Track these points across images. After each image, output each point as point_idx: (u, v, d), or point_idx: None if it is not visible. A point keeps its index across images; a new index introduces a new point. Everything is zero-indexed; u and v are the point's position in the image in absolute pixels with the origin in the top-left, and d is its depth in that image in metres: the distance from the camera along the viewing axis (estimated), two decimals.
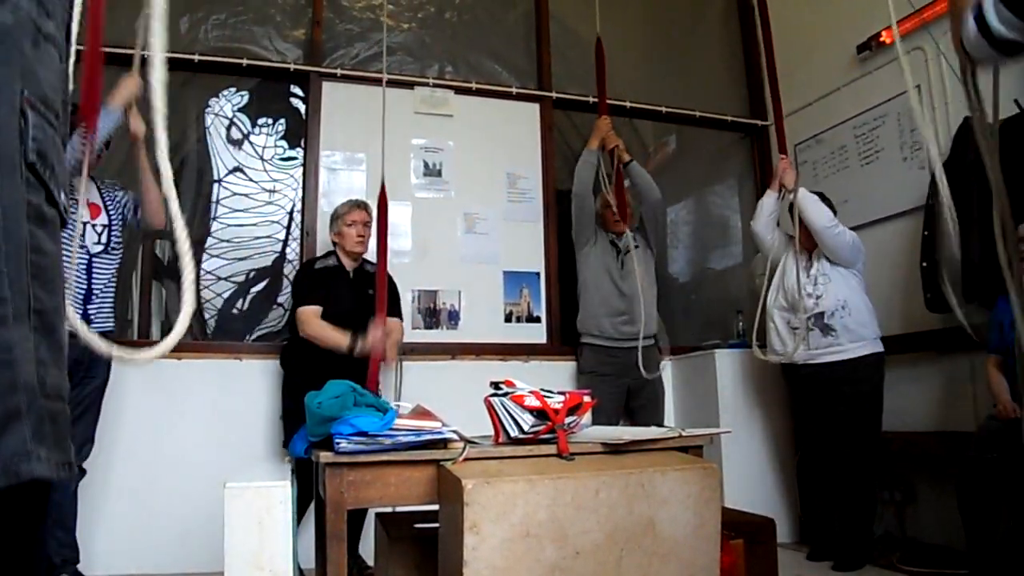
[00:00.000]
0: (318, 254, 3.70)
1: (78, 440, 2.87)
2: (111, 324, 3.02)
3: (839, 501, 3.42)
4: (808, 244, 3.60)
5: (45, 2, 0.73)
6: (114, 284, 3.06)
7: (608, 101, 3.99)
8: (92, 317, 2.90)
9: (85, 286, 2.90)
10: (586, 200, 3.91)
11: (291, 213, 4.13)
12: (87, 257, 2.93)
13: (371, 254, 3.45)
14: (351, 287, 3.41)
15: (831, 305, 3.45)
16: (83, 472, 2.89)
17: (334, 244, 3.50)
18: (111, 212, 3.04)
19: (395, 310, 3.52)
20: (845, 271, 3.50)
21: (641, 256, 3.93)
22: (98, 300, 2.95)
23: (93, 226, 2.96)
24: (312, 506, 2.96)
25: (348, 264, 3.46)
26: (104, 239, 2.99)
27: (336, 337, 3.22)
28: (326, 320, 3.28)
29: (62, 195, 0.75)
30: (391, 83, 4.05)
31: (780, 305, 3.65)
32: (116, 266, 3.07)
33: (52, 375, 0.71)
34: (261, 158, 4.18)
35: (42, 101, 0.72)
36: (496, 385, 2.00)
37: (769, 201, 3.79)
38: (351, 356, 3.20)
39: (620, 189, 3.88)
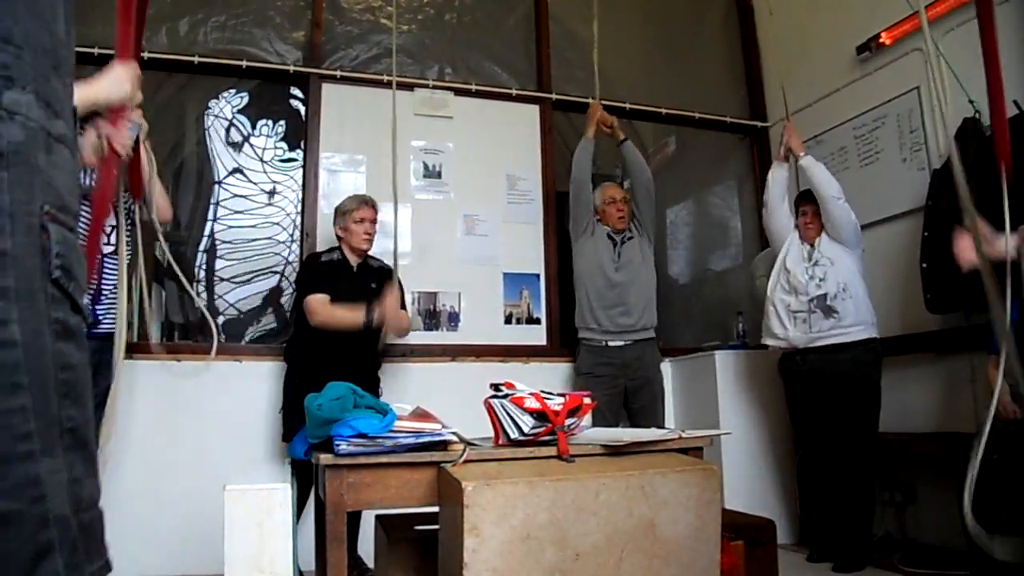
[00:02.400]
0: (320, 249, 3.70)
1: None
2: (112, 326, 3.01)
3: (839, 502, 3.42)
4: (810, 234, 3.60)
5: (53, 103, 0.73)
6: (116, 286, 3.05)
7: (608, 102, 4.00)
8: (101, 318, 2.90)
9: (95, 287, 2.88)
10: (584, 187, 3.90)
11: (291, 215, 4.13)
12: (98, 258, 2.91)
13: (374, 250, 3.49)
14: (355, 281, 3.41)
15: (833, 287, 3.45)
16: None
17: (338, 239, 3.49)
18: (119, 213, 3.03)
19: (401, 305, 3.54)
20: (846, 254, 3.50)
21: (637, 245, 3.93)
22: (107, 301, 2.94)
23: (102, 227, 2.95)
24: (311, 506, 2.96)
25: (352, 259, 3.46)
26: (114, 240, 2.98)
27: (348, 316, 3.22)
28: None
29: (84, 297, 0.75)
30: (391, 84, 4.06)
31: (781, 288, 3.63)
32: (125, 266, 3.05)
33: (87, 487, 0.72)
34: (261, 160, 4.19)
35: (61, 209, 0.72)
36: (496, 387, 2.00)
37: (779, 172, 3.76)
38: (353, 352, 3.20)
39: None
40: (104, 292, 2.93)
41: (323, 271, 3.38)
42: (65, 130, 0.74)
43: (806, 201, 3.67)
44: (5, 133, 0.66)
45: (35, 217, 0.68)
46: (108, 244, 2.96)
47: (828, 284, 3.47)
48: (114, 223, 3.00)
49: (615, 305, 3.80)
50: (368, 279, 3.42)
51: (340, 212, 3.48)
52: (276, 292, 4.10)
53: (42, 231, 0.69)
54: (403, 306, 3.58)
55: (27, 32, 0.69)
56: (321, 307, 3.26)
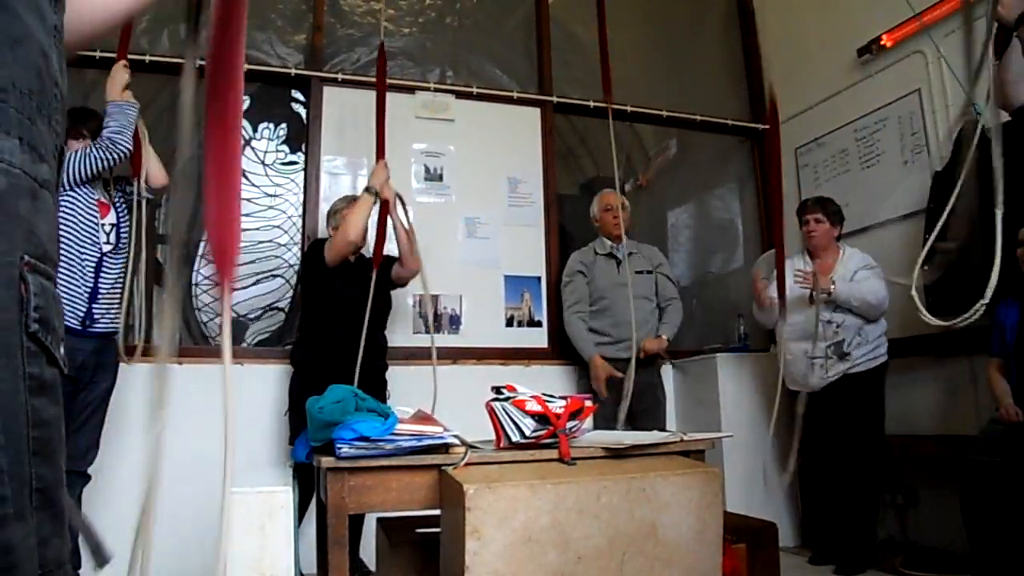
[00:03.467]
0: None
1: (84, 446, 2.87)
2: (117, 325, 3.01)
3: (841, 505, 3.42)
4: (814, 241, 3.61)
5: (38, 146, 0.70)
6: (121, 284, 3.02)
7: (607, 104, 3.98)
8: (97, 317, 2.89)
9: (92, 284, 2.87)
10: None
11: (292, 217, 4.13)
12: (97, 256, 2.91)
13: (367, 251, 3.48)
14: (353, 274, 3.42)
15: (850, 333, 3.44)
16: (88, 478, 2.89)
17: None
18: (119, 210, 3.03)
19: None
20: None
21: (650, 282, 3.94)
22: (104, 300, 2.93)
23: (102, 225, 2.93)
24: (312, 509, 2.96)
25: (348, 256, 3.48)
26: (113, 238, 2.98)
27: (359, 206, 3.28)
28: (330, 305, 3.32)
29: (60, 349, 0.73)
30: (392, 87, 4.06)
31: (796, 335, 3.54)
32: (123, 265, 3.05)
33: (53, 547, 0.70)
34: (262, 163, 4.19)
35: (41, 258, 0.70)
36: (498, 390, 2.00)
37: (762, 315, 3.79)
38: (355, 356, 3.20)
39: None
40: (101, 291, 2.91)
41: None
42: (49, 175, 0.72)
43: (808, 210, 3.66)
44: None
45: (15, 268, 0.66)
46: (108, 243, 2.95)
47: (845, 330, 3.45)
48: (114, 221, 3.00)
49: (619, 341, 3.80)
50: (367, 270, 3.44)
51: (332, 212, 3.51)
52: (277, 295, 4.09)
53: (21, 282, 0.66)
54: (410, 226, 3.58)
55: (12, 77, 0.67)
56: (340, 226, 3.32)
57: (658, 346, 3.82)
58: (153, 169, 3.08)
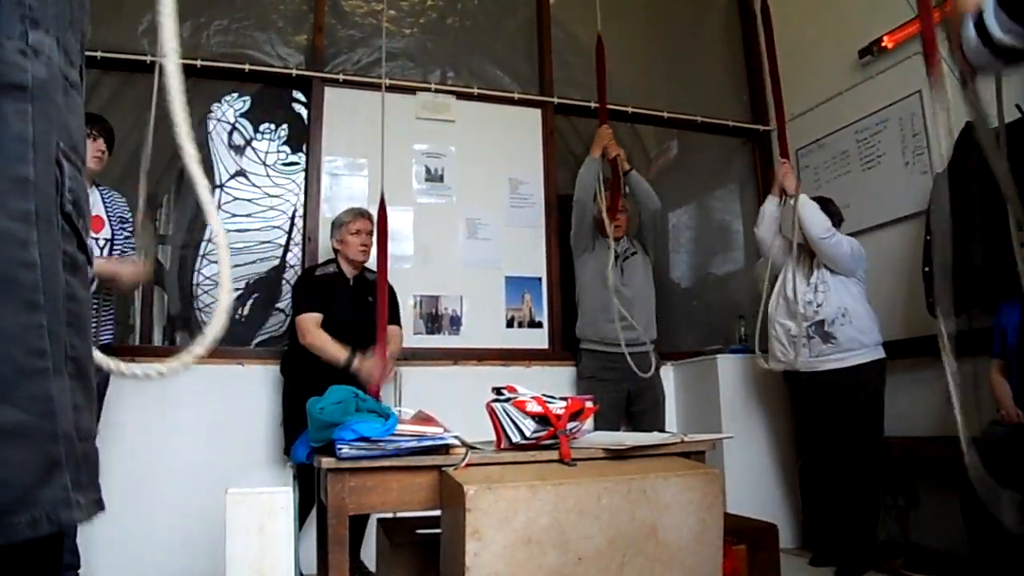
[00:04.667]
0: (319, 260, 3.70)
1: None
2: (109, 336, 3.00)
3: (842, 506, 3.41)
4: (810, 251, 3.60)
5: (70, 52, 0.76)
6: (113, 296, 3.03)
7: (610, 106, 3.99)
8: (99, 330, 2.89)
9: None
10: (587, 206, 3.90)
11: (293, 218, 4.14)
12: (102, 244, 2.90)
13: (371, 262, 3.46)
14: (351, 294, 3.41)
15: (831, 313, 3.43)
16: None
17: (335, 251, 3.49)
18: (114, 225, 3.01)
19: (394, 318, 3.51)
20: (845, 279, 3.49)
21: (639, 262, 3.94)
22: (98, 315, 2.93)
23: (96, 240, 2.91)
24: (314, 512, 2.96)
25: (349, 271, 3.46)
26: (106, 253, 2.96)
27: (334, 351, 3.21)
28: (326, 328, 3.28)
29: (89, 238, 0.79)
30: (393, 88, 4.06)
31: (781, 313, 3.63)
32: None
33: (85, 418, 0.74)
34: (263, 163, 4.19)
35: (73, 149, 0.75)
36: (498, 390, 1.99)
37: (771, 207, 3.79)
38: (348, 372, 3.19)
39: (616, 195, 3.88)
40: (94, 303, 2.89)
41: (318, 286, 3.38)
42: (77, 78, 0.78)
43: None
44: (31, 69, 0.69)
45: (54, 150, 0.71)
46: (101, 258, 2.91)
47: (826, 309, 3.45)
48: (108, 236, 2.98)
49: (619, 319, 3.79)
50: (364, 292, 3.42)
51: (336, 225, 3.49)
52: (278, 295, 4.09)
53: (57, 166, 0.72)
54: (396, 319, 3.56)
55: None
56: (312, 328, 3.26)
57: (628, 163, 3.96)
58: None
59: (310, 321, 3.26)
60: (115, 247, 3.00)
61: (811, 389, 3.53)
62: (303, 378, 3.24)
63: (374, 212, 3.40)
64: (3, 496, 0.63)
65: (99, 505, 0.76)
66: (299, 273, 3.83)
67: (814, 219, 3.48)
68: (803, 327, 3.50)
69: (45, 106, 0.70)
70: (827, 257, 3.47)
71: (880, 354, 3.44)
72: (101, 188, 3.02)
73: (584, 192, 3.88)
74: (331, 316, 3.30)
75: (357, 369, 3.19)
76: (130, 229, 3.04)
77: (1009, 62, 1.24)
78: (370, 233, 3.44)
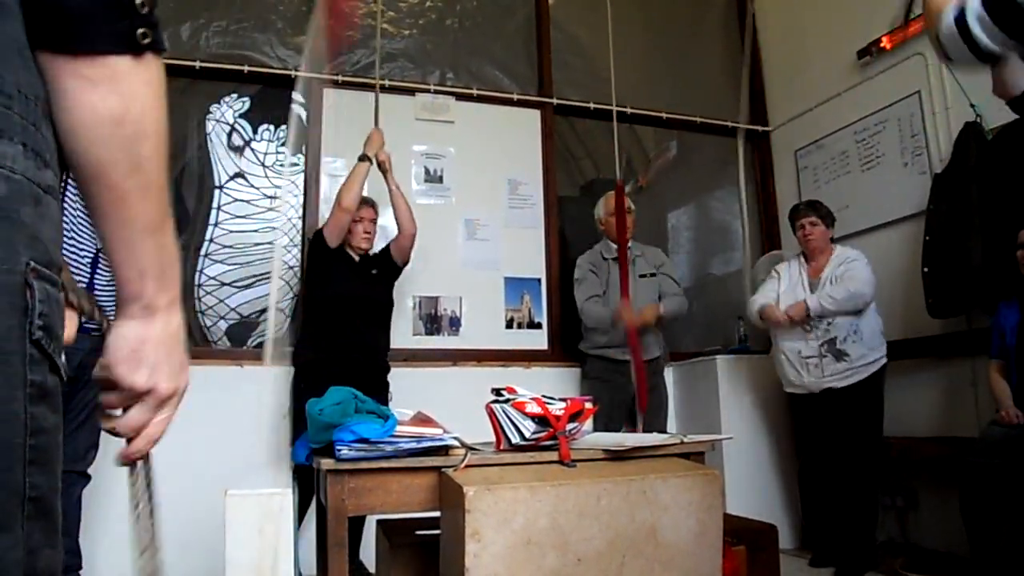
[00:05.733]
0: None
1: (84, 446, 2.86)
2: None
3: (841, 507, 3.41)
4: (812, 245, 3.59)
5: (41, 152, 0.69)
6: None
7: (608, 107, 3.99)
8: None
9: (87, 280, 2.83)
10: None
11: (292, 219, 4.13)
12: (93, 252, 2.88)
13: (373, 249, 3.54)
14: (356, 272, 3.43)
15: (843, 330, 3.39)
16: (88, 478, 2.88)
17: None
18: None
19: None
20: None
21: (654, 285, 3.91)
22: (101, 297, 2.89)
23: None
24: (312, 511, 2.96)
25: (353, 255, 3.49)
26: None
27: (352, 177, 3.34)
28: (331, 307, 3.33)
29: (62, 356, 0.72)
30: (392, 89, 4.07)
31: (788, 335, 3.57)
32: None
33: (44, 557, 0.68)
34: (262, 164, 4.19)
35: (46, 264, 0.69)
36: (497, 391, 1.99)
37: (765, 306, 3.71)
38: (357, 357, 3.21)
39: (621, 211, 3.77)
40: (97, 287, 2.87)
41: (326, 253, 3.43)
42: (52, 181, 0.71)
43: (800, 214, 3.64)
44: None
45: (17, 275, 0.65)
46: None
47: (837, 327, 3.41)
48: None
49: (624, 344, 3.76)
50: (369, 267, 3.47)
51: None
52: (278, 296, 4.09)
53: (27, 288, 0.65)
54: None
55: (18, 82, 0.66)
56: (336, 196, 3.37)
57: (651, 313, 3.73)
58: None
59: (336, 197, 3.38)
60: None
61: (815, 403, 3.51)
62: (314, 369, 3.27)
63: (377, 206, 3.52)
64: None
65: None
66: (298, 274, 3.86)
67: (843, 304, 3.38)
68: (814, 347, 3.46)
69: (5, 229, 0.64)
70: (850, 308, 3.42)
71: (884, 359, 3.44)
72: None
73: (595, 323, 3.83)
74: (336, 290, 3.33)
75: (370, 148, 3.38)
76: None
77: (984, 62, 1.23)
78: (373, 221, 3.50)
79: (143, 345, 0.83)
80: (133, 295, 0.81)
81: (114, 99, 0.71)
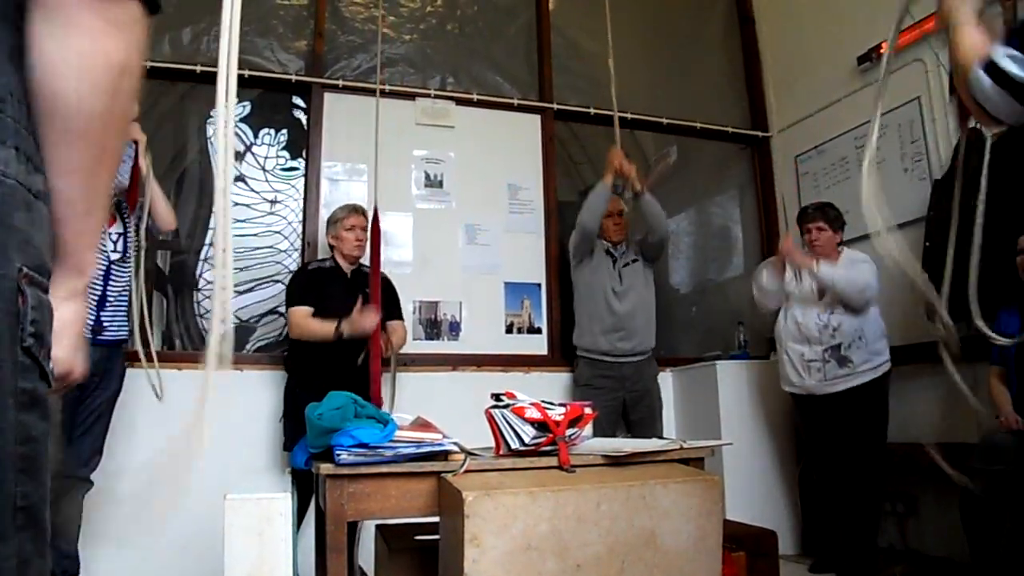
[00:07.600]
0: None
1: (88, 451, 2.86)
2: (125, 333, 3.00)
3: (842, 513, 3.40)
4: (818, 250, 3.58)
5: (33, 157, 0.68)
6: (128, 292, 3.03)
7: (609, 112, 3.99)
8: (106, 325, 2.88)
9: (100, 292, 2.87)
10: (591, 233, 3.83)
11: (292, 224, 4.14)
12: (106, 264, 2.90)
13: (366, 258, 3.52)
14: (347, 288, 3.43)
15: (848, 337, 3.40)
16: (91, 484, 2.88)
17: (331, 248, 3.53)
18: (126, 220, 3.03)
19: (395, 312, 3.55)
20: None
21: (639, 269, 3.93)
22: (112, 308, 2.92)
23: (108, 234, 2.92)
24: (310, 515, 2.96)
25: (345, 267, 3.49)
26: (120, 247, 2.97)
27: (321, 328, 3.24)
28: (321, 316, 3.30)
29: (51, 363, 0.71)
30: (392, 94, 4.07)
31: (793, 337, 3.57)
32: (131, 274, 3.04)
33: (34, 567, 0.67)
34: (263, 168, 4.20)
35: (38, 269, 0.68)
36: (497, 397, 1.99)
37: (769, 283, 3.71)
38: (353, 364, 3.21)
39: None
40: (109, 298, 2.91)
41: (311, 281, 3.41)
42: (42, 185, 0.70)
43: (808, 219, 3.64)
44: None
45: (10, 280, 0.64)
46: (115, 251, 2.95)
47: (842, 333, 3.41)
48: (120, 230, 3.00)
49: (615, 330, 3.80)
50: (361, 285, 3.44)
51: (332, 221, 3.53)
52: (277, 301, 4.10)
53: (19, 294, 0.65)
54: (400, 316, 3.60)
55: (10, 87, 0.66)
56: (300, 320, 3.29)
57: (640, 182, 3.82)
58: (160, 210, 3.05)
59: (299, 314, 3.30)
60: (128, 240, 3.00)
61: (818, 405, 3.51)
62: (306, 373, 3.28)
63: (367, 214, 3.50)
64: None
65: None
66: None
67: (849, 283, 3.40)
68: (818, 351, 3.46)
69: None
70: (852, 305, 3.43)
71: (887, 365, 3.43)
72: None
73: (591, 218, 3.79)
74: (327, 307, 3.31)
75: (350, 326, 3.20)
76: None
77: None
78: (364, 228, 3.49)
79: (77, 327, 0.82)
80: (77, 266, 0.78)
81: (124, 47, 0.70)
